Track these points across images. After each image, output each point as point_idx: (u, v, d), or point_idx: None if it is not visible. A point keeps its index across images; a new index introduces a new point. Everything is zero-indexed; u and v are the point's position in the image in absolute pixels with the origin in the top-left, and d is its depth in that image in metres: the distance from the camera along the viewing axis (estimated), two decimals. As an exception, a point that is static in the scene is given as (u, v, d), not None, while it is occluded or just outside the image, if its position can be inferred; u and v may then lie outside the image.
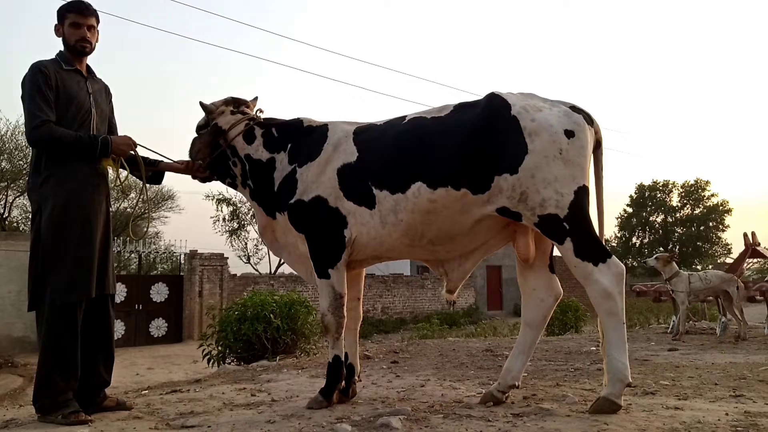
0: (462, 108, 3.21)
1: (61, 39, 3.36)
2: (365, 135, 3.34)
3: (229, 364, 7.13)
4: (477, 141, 3.00)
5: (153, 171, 3.63)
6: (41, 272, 3.18)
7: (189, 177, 3.71)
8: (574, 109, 3.09)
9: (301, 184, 3.34)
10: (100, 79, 3.57)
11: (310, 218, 3.30)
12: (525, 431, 2.61)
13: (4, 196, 21.93)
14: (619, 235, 45.58)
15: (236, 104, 3.67)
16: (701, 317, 12.11)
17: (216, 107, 3.63)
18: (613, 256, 2.94)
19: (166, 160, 3.66)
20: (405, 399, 3.47)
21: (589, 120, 3.10)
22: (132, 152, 3.39)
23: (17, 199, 22.34)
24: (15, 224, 23.00)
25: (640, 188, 44.61)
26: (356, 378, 3.54)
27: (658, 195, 44.06)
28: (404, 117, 3.34)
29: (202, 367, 8.63)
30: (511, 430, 2.62)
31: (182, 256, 20.28)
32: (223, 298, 19.03)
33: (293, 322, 7.88)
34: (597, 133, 3.15)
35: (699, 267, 36.35)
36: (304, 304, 8.27)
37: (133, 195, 27.21)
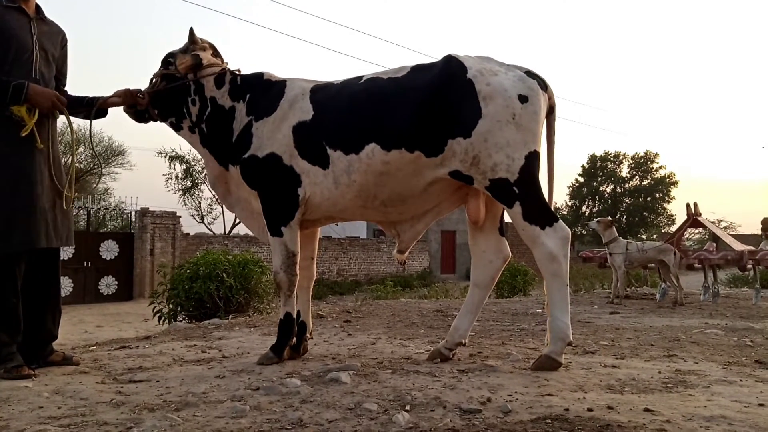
0: (419, 69, 3.19)
1: None
2: (321, 94, 3.30)
3: (181, 322, 7.07)
4: (432, 104, 3.01)
5: (93, 111, 3.39)
6: None
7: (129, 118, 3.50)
8: (529, 74, 3.12)
9: (256, 139, 3.28)
10: (53, 23, 3.38)
11: (263, 175, 3.26)
12: (469, 386, 2.70)
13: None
14: (570, 203, 46.74)
15: (215, 51, 3.54)
16: (643, 283, 12.63)
17: (201, 41, 3.47)
18: (560, 221, 3.03)
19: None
20: (355, 356, 3.53)
21: (543, 86, 3.13)
22: (55, 110, 3.19)
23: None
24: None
25: (592, 159, 45.67)
26: (308, 335, 3.57)
27: (609, 166, 45.22)
28: (361, 77, 3.31)
29: (152, 326, 8.54)
30: (456, 385, 2.71)
31: (133, 213, 19.84)
32: (176, 257, 18.77)
33: (246, 282, 7.85)
34: (550, 98, 3.19)
35: (644, 236, 37.71)
36: (258, 263, 8.23)
37: (82, 149, 26.28)
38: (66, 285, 17.52)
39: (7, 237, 3.01)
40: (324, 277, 22.77)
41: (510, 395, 2.56)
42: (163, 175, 28.19)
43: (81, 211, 20.77)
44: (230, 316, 6.90)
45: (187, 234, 20.79)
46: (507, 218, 3.32)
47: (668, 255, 8.48)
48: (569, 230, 3.03)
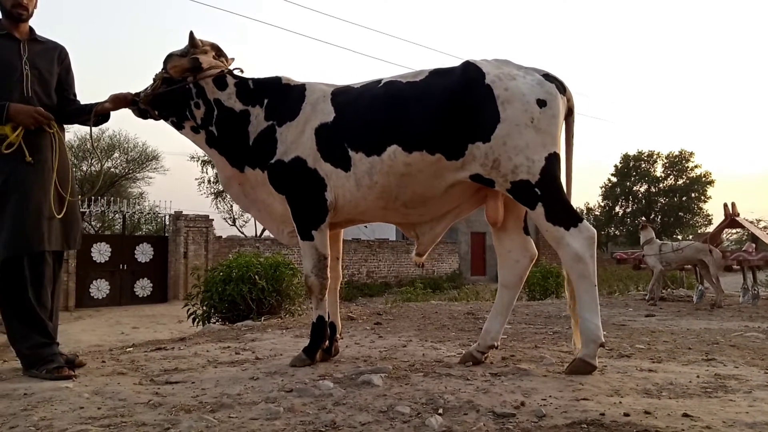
0: (437, 74, 3.20)
1: None
2: (342, 96, 3.32)
3: (214, 323, 7.18)
4: (451, 108, 3.03)
5: (91, 119, 3.52)
6: None
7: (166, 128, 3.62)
8: (547, 77, 3.11)
9: (281, 144, 3.30)
10: (48, 41, 3.54)
11: (290, 179, 3.28)
12: (502, 390, 2.68)
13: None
14: (602, 204, 46.02)
15: (219, 52, 3.57)
16: (679, 285, 12.36)
17: (202, 43, 3.51)
18: (585, 221, 3.00)
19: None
20: (387, 358, 3.54)
21: (562, 89, 3.13)
22: (38, 125, 3.27)
23: None
24: None
25: (625, 158, 44.88)
26: (338, 336, 3.58)
27: (643, 165, 44.38)
28: (380, 80, 3.33)
29: (187, 327, 8.68)
30: (489, 389, 2.69)
31: (167, 217, 20.20)
32: (208, 260, 19.05)
33: (278, 284, 7.93)
34: (569, 101, 3.18)
35: (680, 237, 36.92)
36: (289, 266, 8.30)
37: (117, 155, 26.89)
38: (103, 287, 17.95)
39: (10, 243, 3.14)
40: (354, 279, 22.84)
41: (544, 399, 2.53)
42: (196, 179, 28.73)
43: (117, 215, 21.25)
44: (262, 318, 6.98)
45: (220, 237, 21.08)
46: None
47: (707, 255, 8.28)
48: (594, 230, 3.00)
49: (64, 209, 3.34)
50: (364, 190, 3.17)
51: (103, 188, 26.00)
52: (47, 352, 3.16)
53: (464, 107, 3.02)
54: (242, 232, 29.29)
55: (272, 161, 3.31)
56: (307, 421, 2.26)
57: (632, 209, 44.61)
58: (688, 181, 42.50)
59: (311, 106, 3.31)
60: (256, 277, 7.67)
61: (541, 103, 3.00)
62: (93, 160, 26.60)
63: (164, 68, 3.49)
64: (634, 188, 44.50)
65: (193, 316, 7.90)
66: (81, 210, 18.65)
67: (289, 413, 2.37)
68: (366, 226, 22.64)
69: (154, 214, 21.04)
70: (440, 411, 2.35)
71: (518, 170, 2.95)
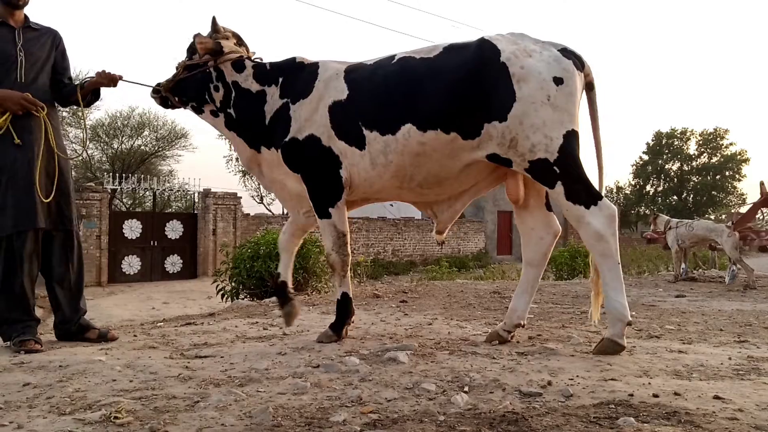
0: (452, 50, 3.12)
1: None
2: (355, 74, 3.28)
3: (242, 299, 7.29)
4: (466, 87, 2.98)
5: (80, 97, 3.65)
6: None
7: (196, 116, 3.67)
8: (565, 52, 3.03)
9: (294, 122, 3.29)
10: (43, 27, 3.67)
11: (305, 158, 3.27)
12: (529, 369, 2.67)
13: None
14: (633, 182, 45.22)
15: (239, 40, 3.61)
16: (711, 265, 12.12)
17: (224, 30, 3.55)
18: (605, 198, 2.94)
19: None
20: (412, 336, 3.55)
21: (580, 64, 3.05)
22: (25, 109, 3.38)
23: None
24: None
25: (658, 135, 43.93)
26: (290, 291, 3.62)
27: (676, 143, 43.39)
28: (393, 56, 3.27)
29: (216, 303, 8.84)
30: (515, 368, 2.68)
31: (196, 194, 20.46)
32: (237, 237, 19.29)
33: (305, 261, 8.00)
34: (588, 76, 3.11)
35: (712, 216, 36.17)
36: (316, 243, 8.36)
37: (146, 132, 27.22)
38: (134, 263, 18.34)
39: (8, 220, 3.33)
40: (379, 257, 22.91)
41: (571, 379, 2.51)
42: (224, 156, 28.96)
43: (147, 193, 21.59)
44: (290, 295, 7.04)
45: (248, 214, 21.29)
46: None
47: (721, 236, 8.14)
48: (615, 208, 2.94)
49: (53, 192, 3.46)
50: (379, 169, 3.15)
51: (133, 166, 26.42)
52: (20, 326, 3.34)
53: (480, 86, 2.96)
54: (270, 210, 29.56)
55: (286, 139, 3.30)
56: (333, 396, 2.28)
57: (664, 188, 43.77)
58: (722, 159, 41.47)
59: (324, 84, 3.28)
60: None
61: (558, 81, 2.92)
62: (144, 138, 26.93)
63: (188, 56, 3.54)
64: (666, 166, 43.59)
65: (221, 292, 8.03)
66: (112, 187, 19.11)
67: (316, 388, 2.39)
68: (392, 204, 22.65)
69: (183, 191, 21.32)
70: (466, 389, 2.35)
71: (536, 149, 2.89)
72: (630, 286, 7.53)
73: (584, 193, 2.91)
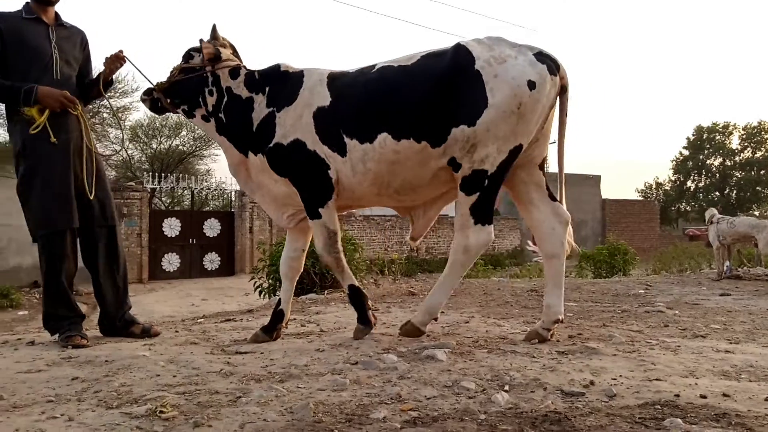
0: (429, 57, 3.17)
1: None
2: (338, 81, 3.33)
3: (279, 296, 7.35)
4: (439, 94, 3.03)
5: (100, 87, 3.70)
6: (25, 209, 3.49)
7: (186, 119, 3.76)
8: (540, 56, 3.07)
9: (279, 128, 3.32)
10: (72, 26, 3.73)
11: (291, 161, 3.29)
12: (570, 368, 2.63)
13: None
14: (673, 178, 44.15)
15: (235, 51, 3.66)
16: (756, 263, 11.73)
17: (222, 39, 3.61)
18: (492, 225, 3.13)
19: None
20: (450, 334, 3.53)
21: (555, 67, 3.09)
22: (64, 107, 3.44)
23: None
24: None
25: (698, 130, 42.78)
26: (284, 324, 3.57)
27: (717, 137, 42.18)
28: (374, 65, 3.33)
29: (253, 299, 8.95)
30: (556, 367, 2.64)
31: (233, 193, 20.76)
32: (273, 235, 19.52)
33: (341, 259, 8.03)
34: (563, 79, 3.14)
35: (756, 213, 35.04)
36: (351, 241, 8.40)
37: (184, 132, 27.74)
38: (174, 261, 18.73)
39: (46, 220, 3.40)
40: (413, 254, 22.89)
41: (614, 378, 2.46)
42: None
43: (185, 192, 22.01)
44: (326, 292, 7.10)
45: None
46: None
47: (761, 232, 7.88)
48: (493, 237, 3.13)
49: (93, 189, 3.54)
50: (359, 176, 3.20)
51: (172, 165, 26.94)
52: (66, 322, 3.45)
53: (452, 93, 3.01)
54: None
55: (270, 145, 3.33)
56: (372, 393, 2.28)
57: (705, 184, 42.60)
58: (767, 154, 40.08)
59: (309, 91, 3.31)
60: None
61: (531, 86, 2.98)
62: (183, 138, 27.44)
63: (184, 60, 3.58)
64: (708, 162, 42.41)
65: (259, 289, 8.13)
66: (152, 187, 19.53)
67: (355, 385, 2.40)
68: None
69: (220, 190, 21.65)
70: (506, 388, 2.33)
71: (486, 160, 3.00)
72: (672, 284, 7.35)
73: (484, 211, 3.08)
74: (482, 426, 1.93)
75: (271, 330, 3.46)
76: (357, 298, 3.41)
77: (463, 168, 3.05)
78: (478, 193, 3.04)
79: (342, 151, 3.20)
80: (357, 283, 3.45)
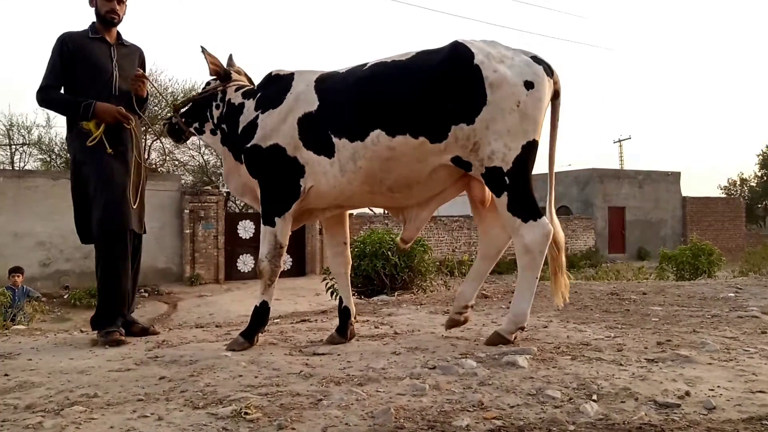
0: (424, 54, 3.15)
1: (93, 9, 3.77)
2: (326, 84, 3.31)
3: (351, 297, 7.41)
4: (437, 90, 3.01)
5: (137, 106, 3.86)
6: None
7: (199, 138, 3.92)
8: (535, 59, 3.10)
9: (260, 130, 3.33)
10: (132, 45, 3.97)
11: (265, 165, 3.31)
12: (662, 377, 2.48)
13: (143, 139, 23.79)
14: (759, 174, 41.61)
15: (249, 78, 3.80)
16: None
17: (238, 67, 3.79)
18: (545, 218, 3.07)
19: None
20: (528, 339, 3.42)
21: (549, 71, 3.12)
22: (118, 122, 3.64)
23: (154, 142, 24.20)
24: (154, 166, 25.01)
25: (790, 122, 39.97)
26: (353, 319, 3.56)
27: (811, 129, 39.31)
28: (365, 64, 3.29)
29: (324, 300, 9.09)
30: (647, 376, 2.50)
31: (303, 195, 21.15)
32: (341, 236, 19.72)
33: (410, 260, 8.04)
34: (556, 84, 3.18)
35: None
36: (421, 243, 8.37)
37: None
38: (248, 262, 19.26)
39: (107, 221, 3.57)
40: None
41: (712, 389, 2.31)
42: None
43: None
44: (396, 293, 7.11)
45: (351, 214, 21.61)
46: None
47: None
48: (551, 228, 3.08)
49: (139, 197, 3.74)
50: (349, 175, 3.16)
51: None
52: (113, 320, 3.60)
53: (451, 88, 3.00)
54: (372, 210, 30.03)
55: (248, 145, 3.35)
56: (453, 400, 2.24)
57: (796, 179, 39.84)
58: None
59: (295, 97, 3.31)
60: (389, 253, 7.82)
61: (529, 86, 2.99)
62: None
63: (204, 88, 3.78)
64: (799, 156, 39.63)
65: (330, 290, 8.23)
66: (226, 190, 20.19)
67: (435, 390, 2.36)
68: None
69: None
70: (594, 397, 2.23)
71: (494, 156, 2.98)
72: (764, 287, 6.87)
73: (525, 208, 3.04)
74: (572, 438, 1.84)
75: (344, 330, 3.48)
76: (261, 316, 3.39)
77: (474, 166, 3.05)
78: (506, 192, 3.01)
79: (329, 152, 3.19)
80: (270, 304, 3.43)
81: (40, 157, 26.11)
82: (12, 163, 26.07)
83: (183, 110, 3.79)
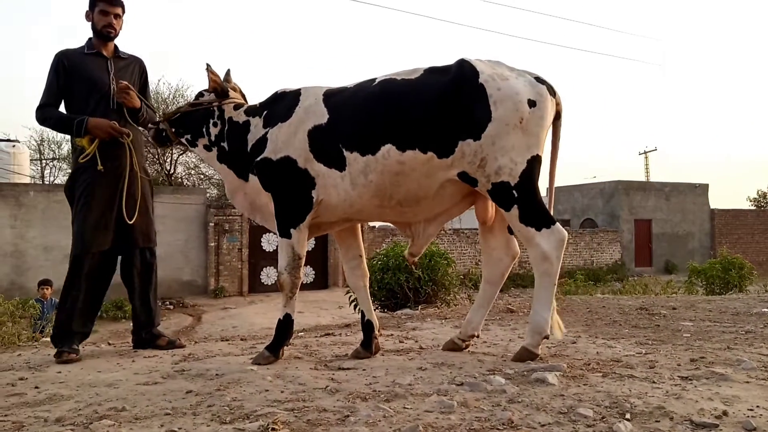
0: (432, 72, 3.22)
1: (90, 24, 3.79)
2: (336, 98, 3.34)
3: (374, 310, 7.38)
4: (445, 106, 3.07)
5: (136, 119, 3.88)
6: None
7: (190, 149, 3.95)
8: (538, 80, 3.18)
9: (270, 143, 3.35)
10: (130, 56, 3.98)
11: (277, 177, 3.32)
12: (697, 396, 2.41)
13: (170, 154, 24.19)
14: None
15: (243, 96, 3.81)
16: None
17: (234, 83, 3.78)
18: (557, 224, 3.09)
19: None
20: (557, 355, 3.36)
21: (552, 91, 3.19)
22: (112, 137, 3.66)
23: (181, 156, 24.56)
24: (180, 179, 25.37)
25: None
26: (377, 332, 3.55)
27: None
28: (374, 79, 3.32)
29: (347, 313, 9.07)
30: (681, 394, 2.43)
31: (326, 208, 21.22)
32: (364, 249, 19.73)
33: (434, 273, 7.95)
34: (558, 104, 3.25)
35: None
36: (444, 256, 8.29)
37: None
38: (272, 274, 19.37)
39: (78, 242, 3.64)
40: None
41: (751, 409, 2.24)
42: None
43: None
44: (419, 307, 7.05)
45: (373, 227, 21.74)
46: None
47: None
48: (566, 233, 3.11)
49: (138, 211, 3.74)
50: (360, 189, 3.19)
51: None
52: (70, 337, 3.62)
53: (457, 105, 3.06)
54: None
55: (259, 158, 3.36)
56: (483, 418, 2.20)
57: (830, 191, 38.82)
58: None
59: (304, 110, 3.34)
60: (413, 266, 7.75)
61: (532, 104, 3.07)
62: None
63: (195, 98, 3.77)
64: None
65: (354, 303, 8.20)
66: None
67: (463, 408, 2.32)
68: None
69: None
70: (627, 416, 2.17)
71: (501, 171, 3.03)
72: (799, 303, 6.69)
73: (537, 217, 3.07)
74: (606, 458, 1.79)
75: (369, 344, 3.47)
76: (285, 329, 3.39)
77: (480, 182, 3.09)
78: (516, 205, 3.05)
79: (341, 165, 3.21)
80: (294, 316, 3.43)
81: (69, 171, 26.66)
82: (42, 177, 26.71)
83: (173, 118, 3.77)
